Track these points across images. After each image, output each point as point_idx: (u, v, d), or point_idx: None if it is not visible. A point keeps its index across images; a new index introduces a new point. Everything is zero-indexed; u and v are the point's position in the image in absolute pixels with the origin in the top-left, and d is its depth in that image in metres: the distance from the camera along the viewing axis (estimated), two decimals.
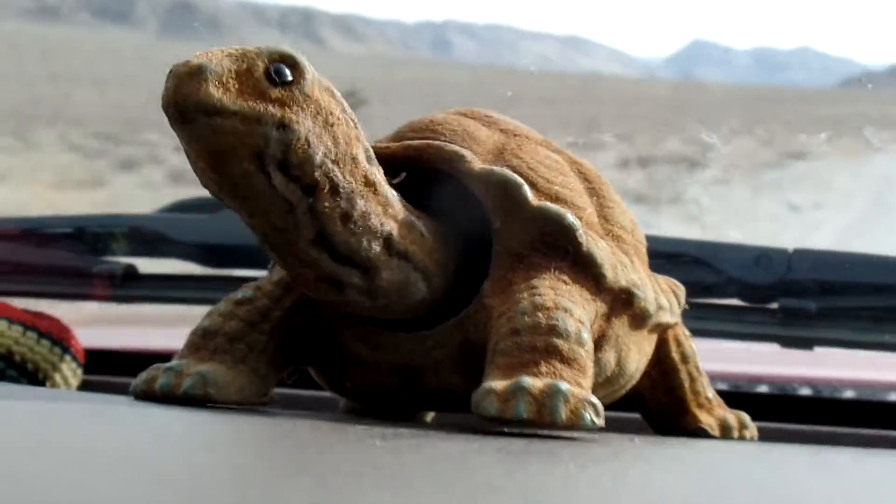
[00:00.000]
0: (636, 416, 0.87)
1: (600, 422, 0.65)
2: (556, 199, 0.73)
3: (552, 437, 0.65)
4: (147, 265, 1.24)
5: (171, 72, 0.62)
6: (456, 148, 0.74)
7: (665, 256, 1.13)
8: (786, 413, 1.11)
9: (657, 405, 0.85)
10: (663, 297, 0.79)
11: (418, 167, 0.74)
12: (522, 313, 0.68)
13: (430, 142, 0.74)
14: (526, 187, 0.72)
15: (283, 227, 0.65)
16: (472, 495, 0.46)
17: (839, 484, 0.59)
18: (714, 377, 1.14)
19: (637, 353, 0.77)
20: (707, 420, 0.84)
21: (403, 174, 0.74)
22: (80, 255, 1.22)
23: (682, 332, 0.84)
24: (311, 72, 0.64)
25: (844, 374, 1.16)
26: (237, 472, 0.49)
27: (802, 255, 1.14)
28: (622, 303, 0.74)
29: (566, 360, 0.67)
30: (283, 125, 0.63)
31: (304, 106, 0.64)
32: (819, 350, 1.13)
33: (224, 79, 0.62)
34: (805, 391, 1.14)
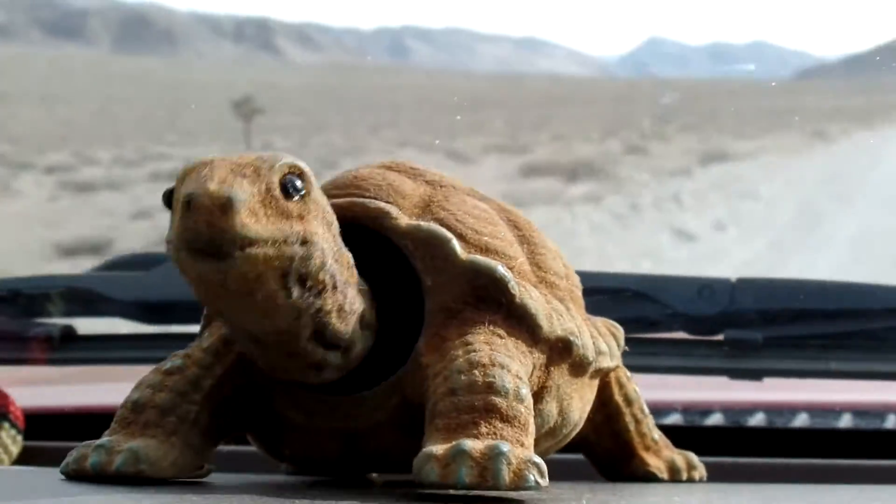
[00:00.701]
0: (582, 458, 0.86)
1: (544, 482, 0.64)
2: (486, 250, 0.72)
3: (500, 497, 0.63)
4: (84, 325, 1.22)
5: (189, 201, 0.60)
6: (381, 204, 0.73)
7: (607, 292, 1.12)
8: (738, 446, 1.10)
9: (603, 450, 0.84)
10: (602, 341, 0.78)
11: (345, 225, 0.73)
12: (458, 372, 0.67)
13: (355, 199, 0.73)
14: (454, 241, 0.71)
15: (287, 330, 0.65)
16: None
17: None
18: (665, 408, 1.14)
19: (579, 401, 0.76)
20: (655, 463, 0.84)
21: None
22: (14, 318, 1.20)
23: (624, 374, 0.83)
24: (313, 177, 0.65)
25: (794, 395, 1.16)
26: None
27: (745, 284, 1.14)
28: (560, 352, 0.73)
29: (506, 419, 0.65)
30: (305, 241, 0.63)
31: (315, 213, 0.64)
32: (768, 380, 1.13)
33: (252, 205, 0.61)
34: (756, 420, 1.13)
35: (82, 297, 1.20)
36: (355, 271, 0.69)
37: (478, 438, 0.64)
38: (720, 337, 1.13)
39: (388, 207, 0.73)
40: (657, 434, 0.85)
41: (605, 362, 0.78)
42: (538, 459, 0.64)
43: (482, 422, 0.65)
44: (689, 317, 1.13)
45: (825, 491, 0.79)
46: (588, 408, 0.78)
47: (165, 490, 0.65)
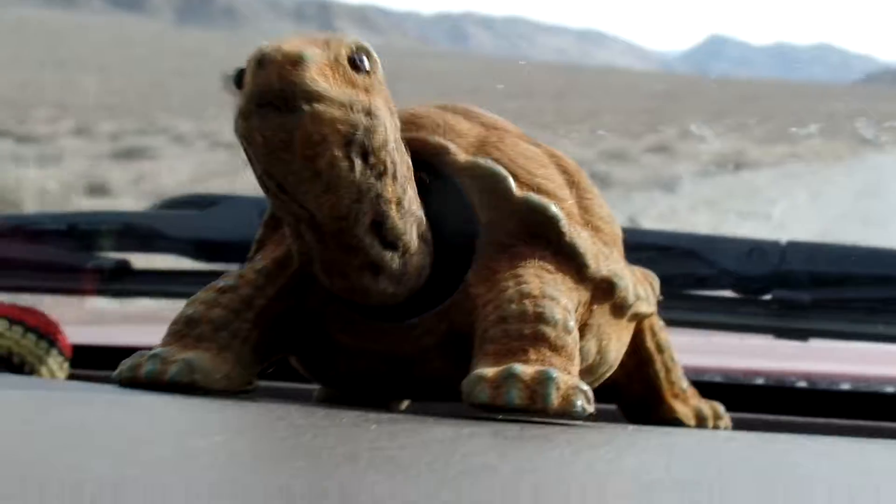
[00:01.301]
0: (611, 406, 0.87)
1: (591, 408, 0.65)
2: (538, 190, 0.74)
3: (546, 422, 0.64)
4: (140, 261, 1.24)
5: (262, 59, 0.62)
6: (441, 140, 0.74)
7: (657, 249, 1.13)
8: (782, 405, 1.10)
9: (633, 395, 0.86)
10: (640, 287, 0.80)
11: None
12: (509, 301, 0.68)
13: (415, 134, 0.74)
14: (511, 179, 0.73)
15: (346, 214, 0.66)
16: (466, 475, 0.46)
17: (836, 470, 0.59)
18: (709, 372, 1.14)
19: (617, 342, 0.78)
20: (683, 410, 0.85)
21: None
22: (72, 251, 1.22)
23: (658, 322, 0.85)
24: (379, 62, 0.66)
25: (839, 366, 1.16)
26: (233, 455, 0.49)
27: (795, 247, 1.14)
28: (603, 292, 0.75)
29: (554, 348, 0.67)
30: (370, 112, 0.64)
31: (380, 93, 0.66)
32: (813, 342, 1.13)
33: (321, 67, 0.63)
34: (801, 384, 1.13)
35: (139, 234, 1.22)
36: (412, 176, 0.70)
37: (527, 364, 0.66)
38: (768, 297, 1.13)
39: (447, 143, 0.74)
40: (686, 383, 0.86)
41: (643, 307, 0.80)
42: (585, 386, 0.65)
43: (531, 349, 0.66)
44: (738, 276, 1.13)
45: (870, 443, 0.79)
46: (623, 350, 0.80)
47: (220, 400, 0.67)
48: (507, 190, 0.72)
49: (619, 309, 0.77)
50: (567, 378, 0.65)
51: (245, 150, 0.65)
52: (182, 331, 0.71)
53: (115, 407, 0.62)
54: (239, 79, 0.65)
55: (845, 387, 1.12)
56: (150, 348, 0.72)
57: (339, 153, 0.63)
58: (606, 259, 0.75)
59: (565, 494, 0.45)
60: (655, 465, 0.55)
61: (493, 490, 0.44)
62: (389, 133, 0.66)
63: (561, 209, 0.73)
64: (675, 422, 0.84)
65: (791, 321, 1.11)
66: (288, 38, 0.63)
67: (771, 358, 1.19)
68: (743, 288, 1.14)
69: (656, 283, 0.84)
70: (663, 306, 1.13)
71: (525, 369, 0.65)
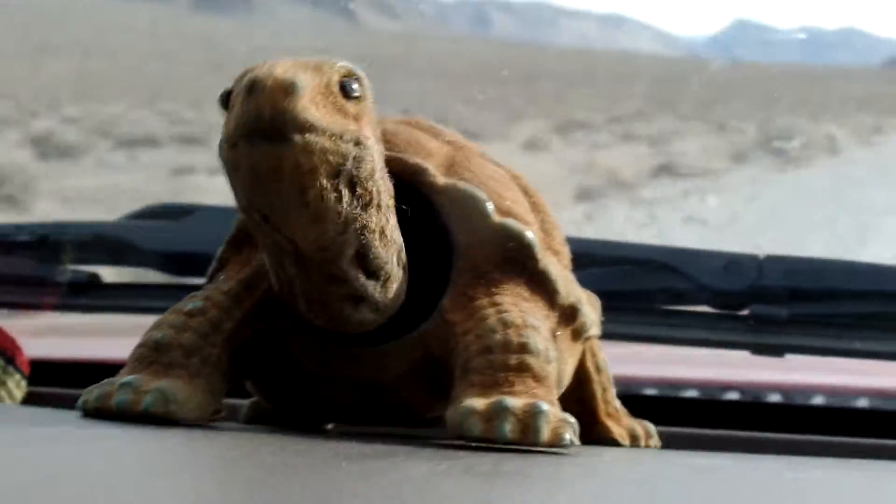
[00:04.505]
0: None
1: (577, 441, 0.65)
2: (508, 213, 0.73)
3: (520, 452, 0.64)
4: (111, 273, 1.22)
5: (252, 85, 0.60)
6: (419, 161, 0.73)
7: (634, 263, 1.12)
8: (757, 421, 1.10)
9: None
10: (591, 310, 0.80)
11: None
12: (492, 331, 0.68)
13: (393, 154, 0.73)
14: (490, 203, 0.72)
15: (331, 246, 0.64)
16: None
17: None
18: (684, 384, 1.13)
19: (571, 367, 0.78)
20: (617, 430, 0.85)
21: None
22: (42, 263, 1.20)
23: (597, 343, 0.85)
24: (370, 88, 0.65)
25: (815, 381, 1.15)
26: (199, 501, 0.48)
27: (774, 261, 1.13)
28: (567, 318, 0.75)
29: (538, 378, 0.67)
30: (359, 141, 0.63)
31: (369, 121, 0.65)
32: (790, 357, 1.12)
33: (313, 94, 0.61)
34: (775, 398, 1.12)
35: (110, 245, 1.20)
36: (394, 203, 0.68)
37: (515, 396, 0.65)
38: (745, 312, 1.12)
39: (425, 164, 0.73)
40: (618, 403, 0.87)
41: (594, 331, 0.80)
42: (572, 419, 0.66)
43: (517, 380, 0.66)
44: (715, 290, 1.12)
45: (827, 465, 0.78)
46: (573, 372, 0.80)
47: (189, 432, 0.65)
48: (486, 214, 0.72)
49: (578, 334, 0.77)
50: (555, 411, 0.65)
51: (229, 177, 0.64)
52: (151, 356, 0.69)
53: (76, 444, 0.60)
54: (226, 100, 0.64)
55: (819, 401, 1.11)
56: (114, 364, 0.70)
57: (327, 184, 0.62)
58: (572, 284, 0.76)
59: None
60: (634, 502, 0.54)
61: None
62: (377, 162, 0.65)
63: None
64: (610, 441, 0.84)
65: (768, 337, 1.10)
66: (279, 63, 0.61)
67: (746, 368, 1.18)
68: (720, 303, 1.13)
69: (598, 304, 0.84)
70: (641, 322, 1.12)
71: (515, 402, 0.65)
